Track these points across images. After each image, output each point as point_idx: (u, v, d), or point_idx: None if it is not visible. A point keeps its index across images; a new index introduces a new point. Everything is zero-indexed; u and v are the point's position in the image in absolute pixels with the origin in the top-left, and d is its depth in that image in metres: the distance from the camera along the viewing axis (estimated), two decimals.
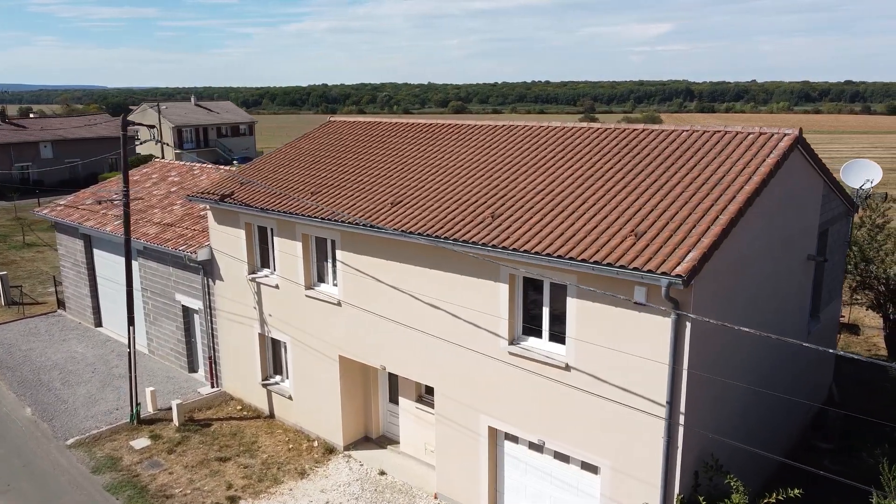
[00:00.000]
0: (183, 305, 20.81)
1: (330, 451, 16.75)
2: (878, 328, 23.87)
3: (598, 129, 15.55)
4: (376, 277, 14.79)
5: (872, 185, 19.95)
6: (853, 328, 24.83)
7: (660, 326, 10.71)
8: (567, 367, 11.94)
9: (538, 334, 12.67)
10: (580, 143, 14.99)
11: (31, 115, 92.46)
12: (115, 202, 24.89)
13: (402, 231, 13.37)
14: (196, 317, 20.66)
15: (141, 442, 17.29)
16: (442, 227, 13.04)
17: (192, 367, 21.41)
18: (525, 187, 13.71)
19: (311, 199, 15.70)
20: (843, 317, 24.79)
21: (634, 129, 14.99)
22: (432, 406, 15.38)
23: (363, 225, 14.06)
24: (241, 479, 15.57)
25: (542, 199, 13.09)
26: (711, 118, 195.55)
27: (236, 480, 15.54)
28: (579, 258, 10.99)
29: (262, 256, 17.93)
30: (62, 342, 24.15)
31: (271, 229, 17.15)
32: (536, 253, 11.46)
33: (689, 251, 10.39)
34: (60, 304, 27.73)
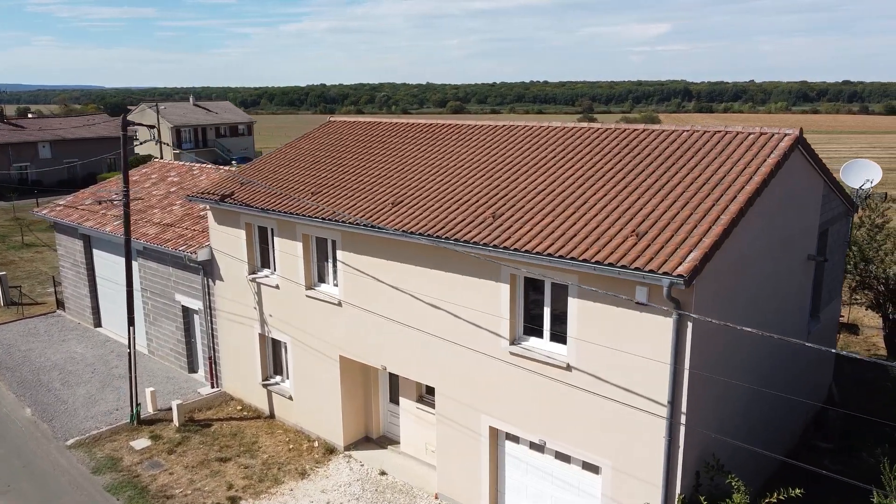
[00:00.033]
0: (183, 306, 20.80)
1: (330, 451, 16.75)
2: (878, 328, 23.91)
3: (599, 129, 15.56)
4: (377, 277, 14.79)
5: (872, 184, 19.99)
6: (852, 328, 24.87)
7: (661, 326, 10.72)
8: (568, 367, 11.94)
9: (539, 334, 12.68)
10: (581, 144, 15.00)
11: (30, 116, 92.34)
12: (115, 202, 24.87)
13: (404, 231, 13.37)
14: (196, 317, 20.65)
15: (141, 442, 17.28)
16: (443, 227, 13.05)
17: (192, 368, 21.40)
18: (526, 187, 13.71)
19: (312, 200, 15.70)
20: (843, 317, 24.83)
21: (635, 130, 15.00)
22: (433, 406, 15.39)
23: (364, 225, 14.06)
24: (242, 480, 15.57)
25: (543, 199, 13.10)
26: (710, 118, 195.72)
27: (237, 481, 15.53)
28: (581, 258, 11.00)
29: (262, 256, 17.93)
30: (61, 342, 24.13)
31: (271, 229, 17.14)
32: (538, 253, 11.47)
33: (691, 251, 10.40)
34: (60, 304, 27.70)
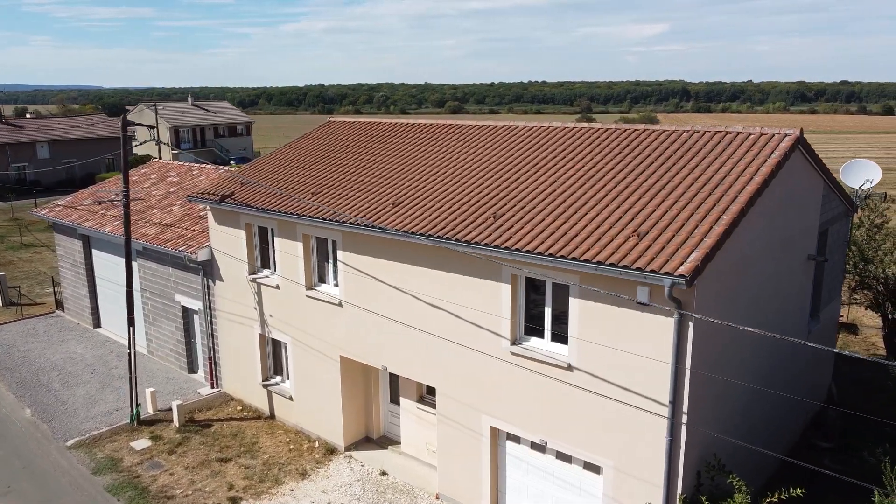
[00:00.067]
0: (182, 306, 20.78)
1: (331, 451, 16.75)
2: (877, 328, 23.95)
3: (600, 129, 15.57)
4: (377, 278, 14.79)
5: (872, 184, 20.03)
6: (851, 328, 24.91)
7: (662, 326, 10.73)
8: (569, 367, 11.95)
9: (540, 334, 12.69)
10: (581, 144, 15.01)
11: (28, 116, 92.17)
12: (115, 202, 24.84)
13: (405, 231, 13.37)
14: (196, 317, 20.63)
15: (141, 443, 17.27)
16: (444, 228, 13.05)
17: (192, 368, 21.39)
18: (527, 188, 13.72)
19: (313, 200, 15.70)
20: (842, 316, 24.87)
21: (636, 130, 15.01)
22: (433, 406, 15.40)
23: (365, 225, 14.06)
24: (243, 480, 15.56)
25: (544, 199, 13.11)
26: (708, 118, 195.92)
27: (237, 481, 15.52)
28: (582, 258, 11.01)
29: (262, 257, 17.92)
30: (61, 343, 24.10)
31: (272, 230, 17.14)
32: (539, 253, 11.48)
33: (692, 251, 10.42)
34: (59, 304, 27.67)
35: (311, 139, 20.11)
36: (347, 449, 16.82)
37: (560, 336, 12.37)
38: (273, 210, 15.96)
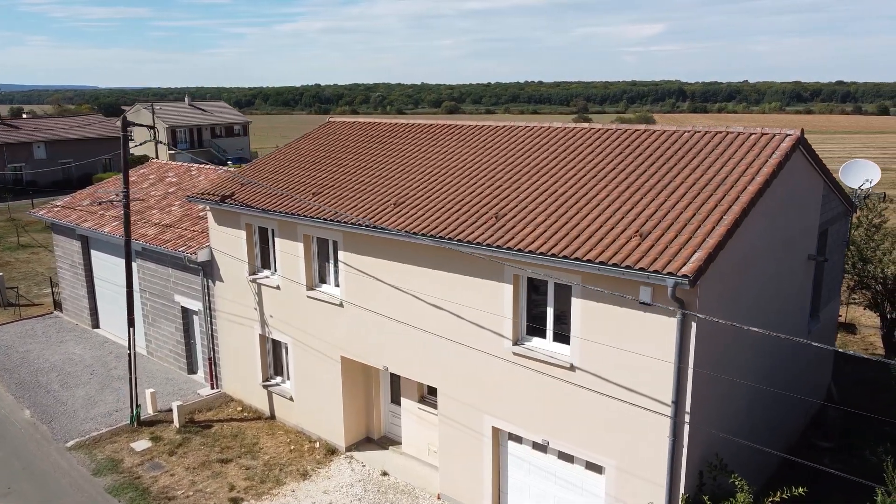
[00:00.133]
0: (182, 307, 20.75)
1: (332, 452, 16.74)
2: (875, 327, 24.02)
3: (601, 129, 15.59)
4: (379, 278, 14.79)
5: (872, 184, 20.09)
6: (850, 327, 24.99)
7: (665, 326, 10.75)
8: (572, 367, 11.97)
9: (542, 334, 12.70)
10: (582, 144, 15.03)
11: (24, 116, 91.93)
12: (115, 202, 24.79)
13: (406, 232, 13.37)
14: (195, 318, 20.60)
15: (141, 444, 17.24)
16: (446, 228, 13.06)
17: (192, 369, 21.35)
18: (528, 188, 13.73)
19: (314, 200, 15.69)
20: (840, 316, 24.93)
21: (636, 130, 15.03)
22: (434, 407, 15.40)
23: (367, 226, 14.06)
24: (244, 481, 15.54)
25: (546, 199, 13.12)
26: (704, 118, 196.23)
27: (238, 482, 15.50)
28: (584, 258, 11.02)
29: (262, 257, 17.90)
30: (59, 344, 24.04)
31: (272, 230, 17.12)
32: (541, 253, 11.49)
33: (695, 251, 10.44)
34: (57, 305, 27.60)
35: (312, 139, 20.09)
36: (348, 449, 16.81)
37: (562, 336, 12.38)
38: (274, 210, 15.95)
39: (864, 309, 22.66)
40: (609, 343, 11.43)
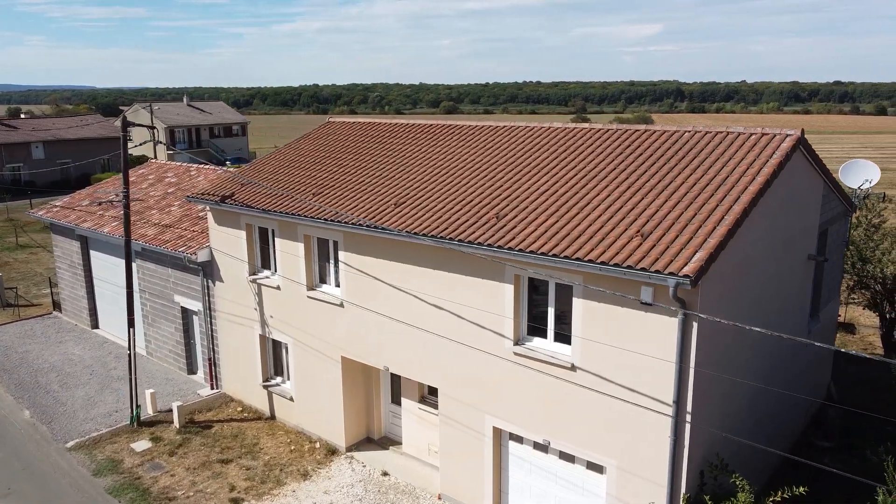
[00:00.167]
0: (182, 307, 20.73)
1: (332, 452, 16.74)
2: (874, 327, 24.05)
3: (601, 129, 15.60)
4: (379, 278, 14.79)
5: (871, 184, 20.12)
6: (849, 327, 25.02)
7: (666, 326, 10.76)
8: (573, 367, 11.97)
9: (543, 334, 12.71)
10: (583, 144, 15.04)
11: (22, 116, 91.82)
12: (114, 203, 24.77)
13: (407, 232, 13.38)
14: (195, 318, 20.59)
15: (142, 444, 17.22)
16: (447, 228, 13.06)
17: (192, 369, 21.34)
18: (529, 188, 13.74)
19: (314, 200, 15.68)
20: (839, 316, 24.96)
21: (637, 130, 15.04)
22: (435, 407, 15.40)
23: (368, 226, 14.06)
24: (244, 481, 15.54)
25: (547, 199, 13.13)
26: (702, 118, 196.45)
27: (239, 482, 15.50)
28: (586, 258, 11.03)
29: (262, 257, 17.89)
30: (59, 344, 24.02)
31: (272, 230, 17.12)
32: (542, 253, 11.50)
33: (696, 251, 10.45)
34: (56, 305, 27.56)
35: (312, 139, 20.09)
36: (349, 449, 16.81)
37: (563, 336, 12.39)
38: (274, 210, 15.94)
39: (864, 309, 22.69)
40: (610, 343, 11.44)
